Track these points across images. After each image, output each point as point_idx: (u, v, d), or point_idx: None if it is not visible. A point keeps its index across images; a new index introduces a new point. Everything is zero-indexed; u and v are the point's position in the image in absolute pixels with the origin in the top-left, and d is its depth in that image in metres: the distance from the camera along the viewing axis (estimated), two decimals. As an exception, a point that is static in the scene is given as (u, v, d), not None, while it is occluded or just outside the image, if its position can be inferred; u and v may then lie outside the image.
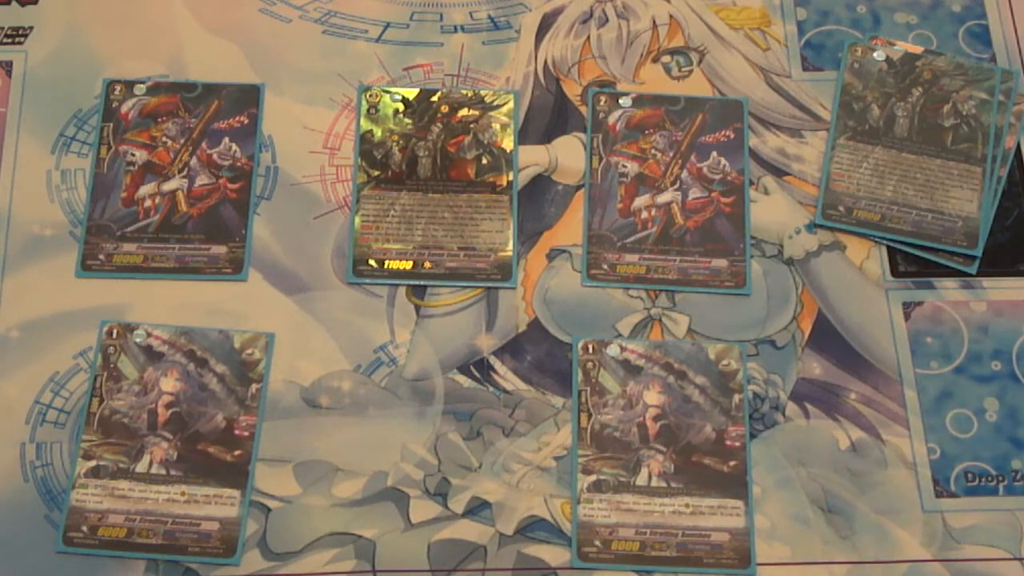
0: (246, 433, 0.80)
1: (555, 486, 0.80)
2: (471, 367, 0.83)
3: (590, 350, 0.83)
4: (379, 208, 0.87)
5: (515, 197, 0.88)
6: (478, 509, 0.79)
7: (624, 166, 0.89)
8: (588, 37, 0.94)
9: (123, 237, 0.86)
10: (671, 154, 0.89)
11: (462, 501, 0.79)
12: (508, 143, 0.89)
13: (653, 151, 0.89)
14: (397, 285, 0.85)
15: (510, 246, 0.86)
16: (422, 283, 0.85)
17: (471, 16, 0.94)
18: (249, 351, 0.82)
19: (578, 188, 0.89)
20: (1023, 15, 0.96)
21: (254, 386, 0.81)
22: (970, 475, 0.81)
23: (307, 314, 0.84)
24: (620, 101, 0.91)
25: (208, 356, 0.82)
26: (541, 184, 0.89)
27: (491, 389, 0.83)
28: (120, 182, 0.87)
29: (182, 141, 0.89)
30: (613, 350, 0.83)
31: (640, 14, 0.95)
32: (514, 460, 0.81)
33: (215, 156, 0.88)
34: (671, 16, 0.95)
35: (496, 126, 0.90)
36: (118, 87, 0.90)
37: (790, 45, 0.94)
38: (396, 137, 0.89)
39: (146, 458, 0.79)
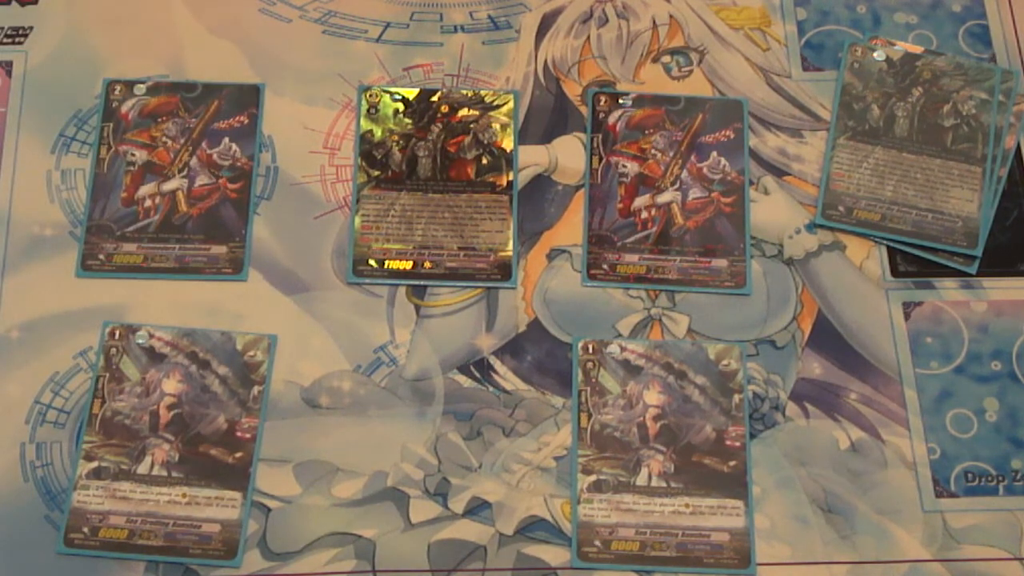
0: (248, 435, 0.80)
1: (555, 486, 0.80)
2: (471, 367, 0.83)
3: (590, 350, 0.83)
4: (379, 208, 0.87)
5: (515, 197, 0.88)
6: (478, 509, 0.79)
7: (624, 166, 0.89)
8: (588, 37, 0.94)
9: (123, 237, 0.86)
10: (671, 154, 0.89)
11: (462, 501, 0.79)
12: (508, 143, 0.89)
13: (653, 151, 0.89)
14: (397, 285, 0.85)
15: (510, 246, 0.86)
16: (422, 283, 0.85)
17: (471, 16, 0.94)
18: (251, 353, 0.82)
19: (578, 188, 0.89)
20: (1023, 15, 0.96)
21: (256, 388, 0.81)
22: (970, 475, 0.81)
23: (307, 314, 0.84)
24: (620, 101, 0.91)
25: (210, 358, 0.82)
26: (541, 184, 0.89)
27: (491, 389, 0.83)
28: (120, 182, 0.87)
29: (182, 141, 0.89)
30: (613, 350, 0.83)
31: (640, 14, 0.95)
32: (514, 460, 0.81)
33: (215, 156, 0.88)
34: (671, 16, 0.95)
35: (496, 126, 0.90)
36: (118, 87, 0.90)
37: (790, 45, 0.94)
38: (396, 137, 0.89)
39: (148, 460, 0.79)
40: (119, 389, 0.81)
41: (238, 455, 0.79)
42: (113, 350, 0.82)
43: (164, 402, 0.80)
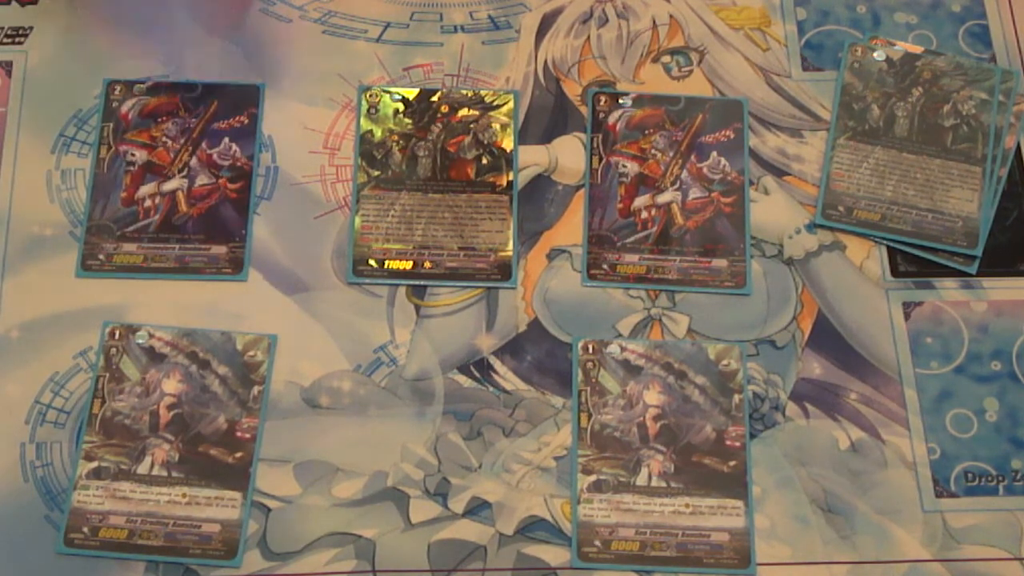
0: (248, 435, 0.80)
1: (555, 486, 0.80)
2: (471, 367, 0.83)
3: (590, 350, 0.83)
4: (379, 208, 0.87)
5: (515, 197, 0.88)
6: (478, 509, 0.79)
7: (624, 166, 0.89)
8: (588, 37, 0.94)
9: (123, 237, 0.86)
10: (671, 154, 0.89)
11: (462, 501, 0.79)
12: (508, 143, 0.89)
13: (653, 151, 0.89)
14: (397, 285, 0.85)
15: (510, 246, 0.86)
16: (422, 283, 0.85)
17: (471, 16, 0.94)
18: (251, 353, 0.82)
19: (578, 188, 0.89)
20: (1023, 15, 0.96)
21: (256, 388, 0.81)
22: (970, 475, 0.81)
23: (307, 314, 0.84)
24: (620, 101, 0.91)
25: (210, 358, 0.82)
26: (541, 184, 0.89)
27: (491, 389, 0.83)
28: (120, 182, 0.87)
29: (182, 141, 0.89)
30: (613, 350, 0.83)
31: (640, 14, 0.95)
32: (514, 460, 0.81)
33: (215, 156, 0.88)
34: (671, 16, 0.95)
35: (496, 126, 0.90)
36: (118, 87, 0.90)
37: (790, 45, 0.94)
38: (396, 137, 0.89)
39: (148, 460, 0.79)
40: (119, 389, 0.81)
41: (238, 455, 0.79)
42: (113, 350, 0.82)
43: (164, 402, 0.80)
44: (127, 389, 0.81)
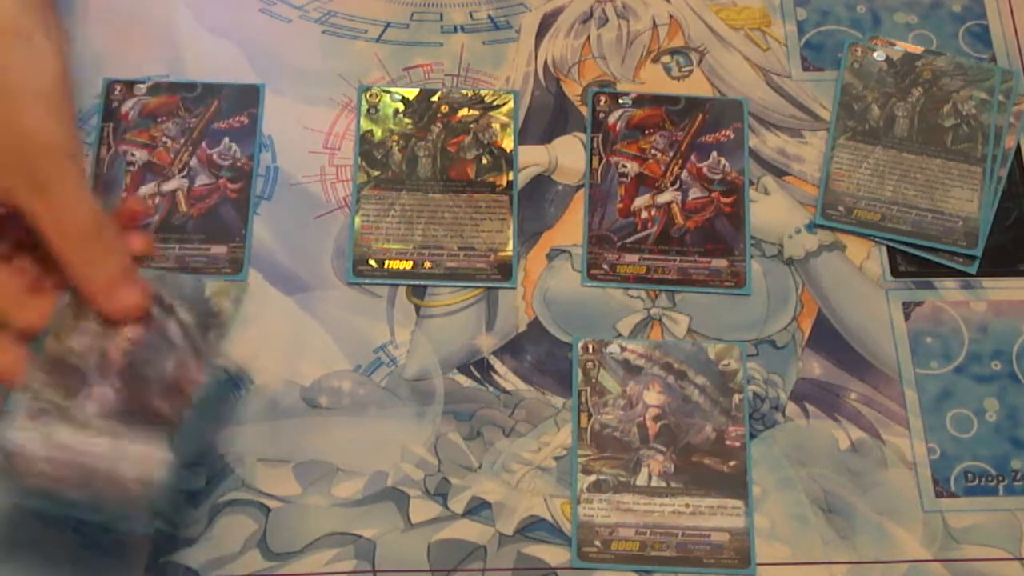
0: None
1: (555, 486, 0.80)
2: (471, 367, 0.83)
3: (590, 350, 0.83)
4: (379, 208, 0.87)
5: (515, 197, 0.88)
6: (478, 509, 0.79)
7: (624, 166, 0.89)
8: (588, 37, 0.94)
9: (123, 237, 0.86)
10: (671, 154, 0.89)
11: (462, 501, 0.79)
12: (508, 143, 0.89)
13: (653, 151, 0.89)
14: (397, 285, 0.85)
15: (510, 246, 0.86)
16: (422, 283, 0.85)
17: (471, 16, 0.94)
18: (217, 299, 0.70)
19: (578, 188, 0.89)
20: (1023, 15, 0.96)
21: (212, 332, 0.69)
22: (970, 475, 0.81)
23: (307, 314, 0.84)
24: (620, 101, 0.91)
25: (174, 301, 0.69)
26: (541, 184, 0.89)
27: (491, 389, 0.83)
28: (120, 182, 0.87)
29: (182, 141, 0.89)
30: (613, 350, 0.83)
31: (640, 14, 0.95)
32: (514, 460, 0.81)
33: (215, 156, 0.88)
34: (671, 16, 0.95)
35: (496, 126, 0.90)
36: (118, 87, 0.90)
37: (790, 45, 0.94)
38: (396, 137, 0.89)
39: (87, 404, 0.64)
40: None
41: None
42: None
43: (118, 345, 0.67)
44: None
